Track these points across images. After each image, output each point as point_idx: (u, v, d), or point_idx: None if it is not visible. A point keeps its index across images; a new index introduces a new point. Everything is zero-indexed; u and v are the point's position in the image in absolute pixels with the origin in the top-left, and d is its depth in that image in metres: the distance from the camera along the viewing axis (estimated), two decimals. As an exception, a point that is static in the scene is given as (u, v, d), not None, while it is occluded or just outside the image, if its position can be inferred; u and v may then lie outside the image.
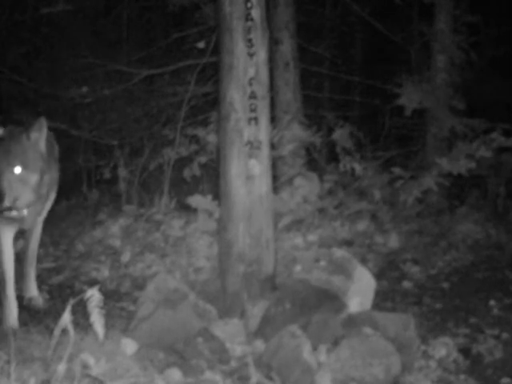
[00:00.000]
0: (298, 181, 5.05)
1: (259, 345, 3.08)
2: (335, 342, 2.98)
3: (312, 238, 4.75)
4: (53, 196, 3.74)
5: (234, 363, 2.95)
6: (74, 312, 2.43)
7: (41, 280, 4.09)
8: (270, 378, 2.79)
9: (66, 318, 2.38)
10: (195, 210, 4.89)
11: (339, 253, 3.58)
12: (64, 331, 2.41)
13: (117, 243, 4.96)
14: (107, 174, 6.29)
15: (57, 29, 6.49)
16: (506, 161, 5.39)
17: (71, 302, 2.40)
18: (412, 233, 4.95)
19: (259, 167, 3.34)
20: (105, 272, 4.49)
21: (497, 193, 5.49)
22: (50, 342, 2.54)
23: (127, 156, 6.23)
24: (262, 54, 3.32)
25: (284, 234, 4.72)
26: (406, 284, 4.18)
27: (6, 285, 3.41)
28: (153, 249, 4.78)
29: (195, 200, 4.82)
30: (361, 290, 3.37)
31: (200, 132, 5.58)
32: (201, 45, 5.70)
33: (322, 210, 5.04)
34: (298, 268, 3.65)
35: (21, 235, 3.91)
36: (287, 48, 5.55)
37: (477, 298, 3.84)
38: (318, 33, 7.76)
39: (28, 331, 3.15)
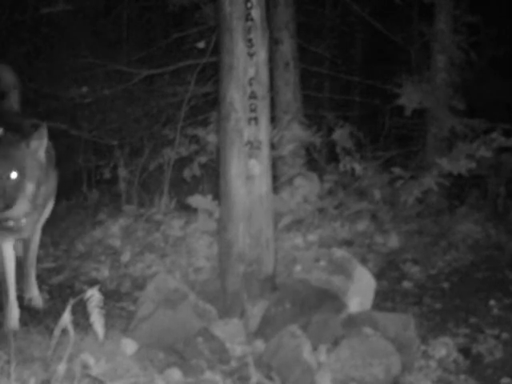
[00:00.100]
0: (298, 181, 5.05)
1: (259, 345, 3.08)
2: (335, 342, 2.98)
3: (312, 237, 4.75)
4: (51, 204, 3.68)
5: (234, 363, 2.95)
6: (74, 312, 2.43)
7: (41, 280, 4.09)
8: (270, 378, 2.79)
9: (66, 318, 2.38)
10: (195, 210, 4.89)
11: (339, 253, 3.58)
12: (64, 331, 2.41)
13: (117, 243, 4.96)
14: (107, 174, 6.29)
15: (57, 29, 6.49)
16: (506, 161, 5.39)
17: (71, 302, 2.40)
18: (412, 233, 4.95)
19: (259, 167, 3.34)
20: (105, 272, 4.49)
21: (497, 193, 5.49)
22: (50, 342, 2.54)
23: (127, 156, 6.23)
24: (262, 54, 3.32)
25: (284, 234, 4.72)
26: (406, 284, 4.18)
27: (8, 289, 3.42)
28: (153, 249, 4.78)
29: (195, 200, 4.82)
30: (361, 290, 3.37)
31: (200, 132, 5.58)
32: (201, 45, 5.70)
33: (322, 210, 5.04)
34: (298, 268, 3.65)
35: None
36: (287, 48, 5.55)
37: (477, 298, 3.84)
38: (318, 33, 7.76)
39: (28, 331, 3.15)
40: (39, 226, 3.72)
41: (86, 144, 6.73)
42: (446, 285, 4.14)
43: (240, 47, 3.28)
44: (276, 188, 4.69)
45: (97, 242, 5.06)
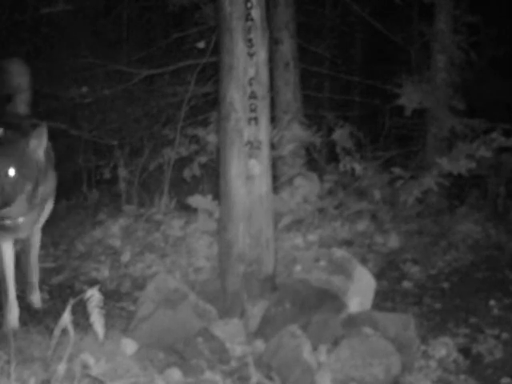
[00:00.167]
0: (298, 181, 5.05)
1: (259, 345, 3.08)
2: (335, 342, 2.98)
3: (312, 237, 4.75)
4: (50, 205, 3.65)
5: (234, 363, 2.95)
6: (74, 312, 2.43)
7: (41, 280, 4.07)
8: (270, 378, 2.79)
9: (66, 318, 2.38)
10: (195, 210, 4.89)
11: (339, 253, 3.58)
12: (64, 331, 2.41)
13: (117, 243, 4.96)
14: (107, 174, 6.29)
15: (57, 29, 6.49)
16: (506, 161, 5.39)
17: (71, 302, 2.40)
18: (412, 233, 4.95)
19: (259, 167, 3.34)
20: (105, 272, 4.49)
21: (497, 193, 5.49)
22: (50, 342, 2.54)
23: (127, 156, 6.23)
24: (262, 54, 3.32)
25: (284, 234, 4.72)
26: (406, 284, 4.18)
27: (8, 288, 3.41)
28: (153, 249, 4.78)
29: (195, 200, 4.82)
30: (361, 290, 3.37)
31: (200, 132, 5.58)
32: (201, 45, 5.70)
33: (322, 210, 5.04)
34: (298, 268, 3.65)
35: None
36: (287, 48, 5.55)
37: (477, 298, 3.84)
38: (318, 33, 7.77)
39: (28, 331, 3.15)
40: (39, 226, 3.70)
41: (86, 144, 6.73)
42: (445, 285, 4.14)
43: (240, 47, 3.28)
44: (276, 188, 4.69)
45: (97, 242, 5.06)
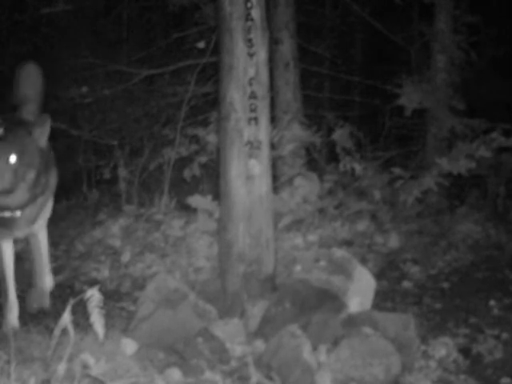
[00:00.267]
0: (297, 181, 5.05)
1: (259, 345, 3.08)
2: (335, 342, 2.98)
3: (312, 237, 4.75)
4: (50, 203, 3.61)
5: (234, 363, 2.95)
6: (74, 312, 2.43)
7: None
8: (270, 378, 2.79)
9: (66, 318, 2.38)
10: (195, 210, 4.89)
11: (339, 253, 3.58)
12: (64, 331, 2.41)
13: (117, 243, 4.96)
14: (107, 174, 6.29)
15: (57, 29, 6.50)
16: (506, 161, 5.40)
17: (71, 302, 2.40)
18: (412, 233, 4.95)
19: (259, 167, 3.34)
20: (105, 272, 4.49)
21: (497, 193, 5.50)
22: (50, 342, 2.55)
23: (127, 156, 6.23)
24: (262, 54, 3.32)
25: (284, 234, 4.72)
26: (406, 284, 4.18)
27: (7, 287, 3.41)
28: (153, 249, 4.78)
29: (195, 200, 4.82)
30: (361, 290, 3.37)
31: (200, 132, 5.58)
32: (201, 45, 5.70)
33: (322, 210, 5.04)
34: (298, 268, 3.65)
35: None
36: (287, 48, 5.55)
37: (477, 298, 3.84)
38: (318, 33, 7.78)
39: (28, 331, 3.15)
40: (42, 223, 3.61)
41: (86, 144, 6.73)
42: (445, 285, 4.14)
43: (240, 47, 3.28)
44: (276, 188, 4.69)
45: (97, 242, 5.06)
